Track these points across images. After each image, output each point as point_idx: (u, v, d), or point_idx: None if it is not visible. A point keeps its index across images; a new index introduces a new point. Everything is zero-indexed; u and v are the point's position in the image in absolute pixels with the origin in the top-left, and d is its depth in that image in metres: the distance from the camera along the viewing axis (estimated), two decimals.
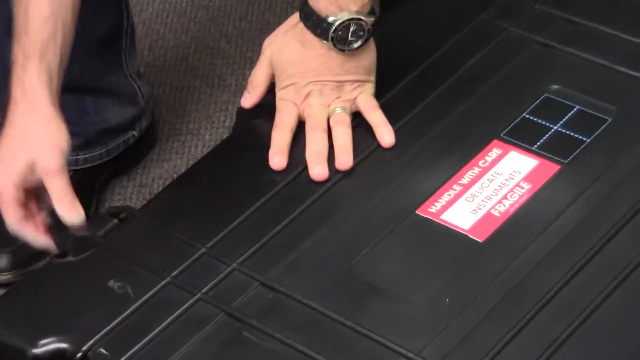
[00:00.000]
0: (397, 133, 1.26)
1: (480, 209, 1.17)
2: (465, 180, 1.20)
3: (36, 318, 1.13)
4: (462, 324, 1.08)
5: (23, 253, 1.49)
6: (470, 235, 1.16)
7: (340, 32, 1.20)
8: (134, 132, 1.58)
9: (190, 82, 1.73)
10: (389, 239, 1.17)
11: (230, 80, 1.77)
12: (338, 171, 1.22)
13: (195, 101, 1.73)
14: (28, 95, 1.22)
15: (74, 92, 1.49)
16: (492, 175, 1.21)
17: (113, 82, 1.54)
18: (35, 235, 1.21)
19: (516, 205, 1.17)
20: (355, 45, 1.21)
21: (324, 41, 1.21)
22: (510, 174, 1.20)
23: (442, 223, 1.17)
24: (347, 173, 1.23)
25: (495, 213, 1.17)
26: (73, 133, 1.46)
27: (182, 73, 1.89)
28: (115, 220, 1.23)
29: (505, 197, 1.18)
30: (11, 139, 1.22)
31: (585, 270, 1.10)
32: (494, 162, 1.22)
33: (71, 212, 1.18)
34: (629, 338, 1.06)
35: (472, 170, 1.21)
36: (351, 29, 1.20)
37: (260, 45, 1.35)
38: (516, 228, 1.16)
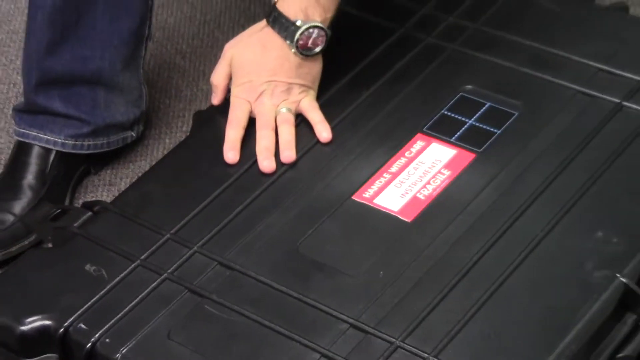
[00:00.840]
0: (333, 130, 1.27)
1: (407, 193, 1.19)
2: (394, 169, 1.21)
3: (22, 299, 1.14)
4: (395, 293, 1.10)
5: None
6: (399, 217, 1.17)
7: (303, 37, 1.23)
8: (132, 133, 1.58)
9: (151, 94, 1.74)
10: (329, 222, 1.17)
11: (185, 92, 1.76)
12: (283, 164, 1.23)
13: (156, 110, 1.73)
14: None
15: (90, 83, 1.48)
16: (416, 164, 1.22)
17: (126, 82, 1.53)
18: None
19: (438, 190, 1.19)
20: (316, 50, 1.25)
21: (288, 42, 1.24)
22: (433, 163, 1.22)
23: (375, 206, 1.18)
24: (291, 165, 1.24)
25: (421, 196, 1.18)
26: (84, 121, 1.48)
27: None
28: (90, 213, 1.23)
29: (428, 183, 1.20)
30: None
31: (499, 244, 1.13)
32: (418, 152, 1.23)
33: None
34: (537, 300, 1.08)
35: (399, 160, 1.22)
36: (313, 36, 1.24)
37: (211, 60, 1.39)
38: (439, 209, 1.17)
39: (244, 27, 1.36)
